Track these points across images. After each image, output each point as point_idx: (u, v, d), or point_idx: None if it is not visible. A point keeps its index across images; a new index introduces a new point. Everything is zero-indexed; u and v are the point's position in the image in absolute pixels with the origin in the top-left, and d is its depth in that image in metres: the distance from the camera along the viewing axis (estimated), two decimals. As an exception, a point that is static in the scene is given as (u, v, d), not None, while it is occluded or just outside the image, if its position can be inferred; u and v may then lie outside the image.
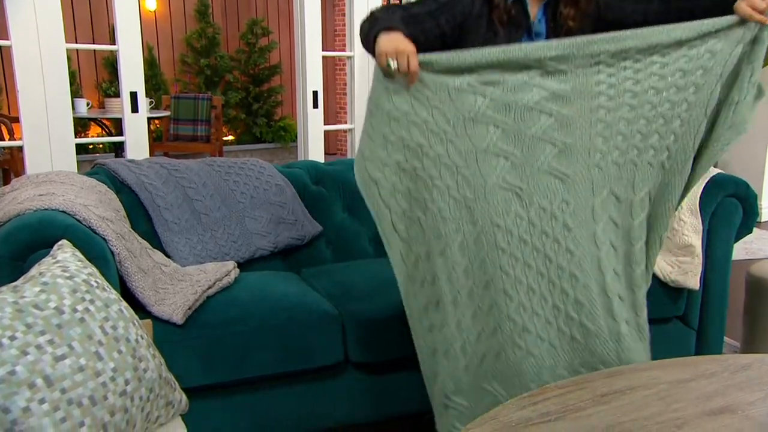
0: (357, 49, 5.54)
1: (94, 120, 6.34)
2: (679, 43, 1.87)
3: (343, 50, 9.69)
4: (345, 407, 2.32)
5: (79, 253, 1.50)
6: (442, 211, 1.90)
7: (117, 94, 6.89)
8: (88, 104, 6.40)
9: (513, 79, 1.86)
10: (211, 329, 2.11)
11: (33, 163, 4.22)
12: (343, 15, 9.75)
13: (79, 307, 1.33)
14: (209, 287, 2.23)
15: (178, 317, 2.05)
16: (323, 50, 5.27)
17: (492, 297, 1.90)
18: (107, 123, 6.63)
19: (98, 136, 7.35)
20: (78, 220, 2.02)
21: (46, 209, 2.01)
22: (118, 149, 6.38)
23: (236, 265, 2.56)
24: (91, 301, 1.36)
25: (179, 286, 2.20)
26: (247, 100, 8.80)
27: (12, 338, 1.18)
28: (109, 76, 7.68)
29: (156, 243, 2.58)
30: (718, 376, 1.81)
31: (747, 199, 2.63)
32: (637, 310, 1.99)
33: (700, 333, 2.74)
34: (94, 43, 7.67)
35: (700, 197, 2.61)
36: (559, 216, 1.89)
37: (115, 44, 4.54)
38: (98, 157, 7.13)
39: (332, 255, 2.87)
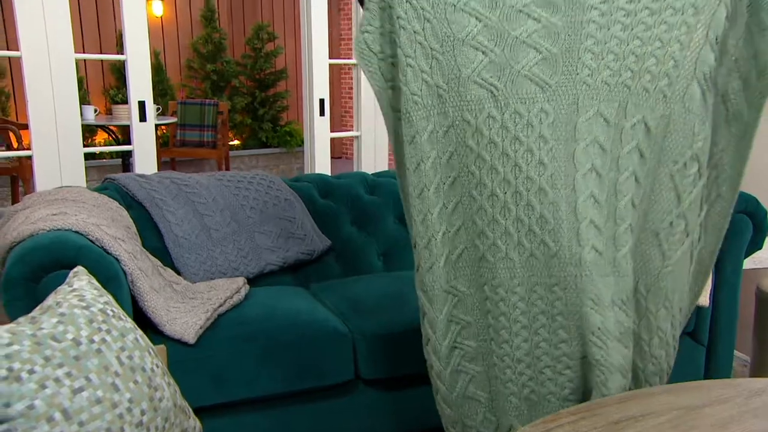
0: (363, 57, 5.55)
1: (102, 127, 6.34)
2: None
3: (349, 55, 9.70)
4: (358, 424, 2.32)
5: (95, 281, 1.51)
6: (414, 95, 1.83)
7: (124, 101, 6.90)
8: (95, 111, 6.41)
9: None
10: (222, 348, 2.11)
11: (42, 171, 4.24)
12: (349, 19, 9.77)
13: (96, 338, 1.33)
14: (220, 305, 2.24)
15: (189, 337, 2.06)
16: (330, 56, 5.29)
17: (457, 196, 1.86)
18: (114, 129, 6.63)
19: (105, 142, 7.35)
20: (91, 241, 2.03)
21: (59, 229, 2.01)
22: (126, 155, 6.40)
23: (246, 280, 2.57)
24: (108, 331, 1.37)
25: (190, 304, 2.20)
26: (253, 105, 8.79)
27: (31, 372, 1.19)
28: (116, 83, 7.69)
29: (166, 259, 2.59)
30: (732, 402, 1.78)
31: (757, 214, 2.62)
32: (616, 244, 1.86)
33: (709, 349, 2.74)
34: (101, 48, 7.68)
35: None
36: (535, 125, 1.80)
37: (122, 53, 4.56)
38: (105, 163, 7.16)
39: (341, 269, 2.87)
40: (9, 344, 1.21)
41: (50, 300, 1.40)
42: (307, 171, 5.40)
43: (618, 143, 1.84)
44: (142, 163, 4.71)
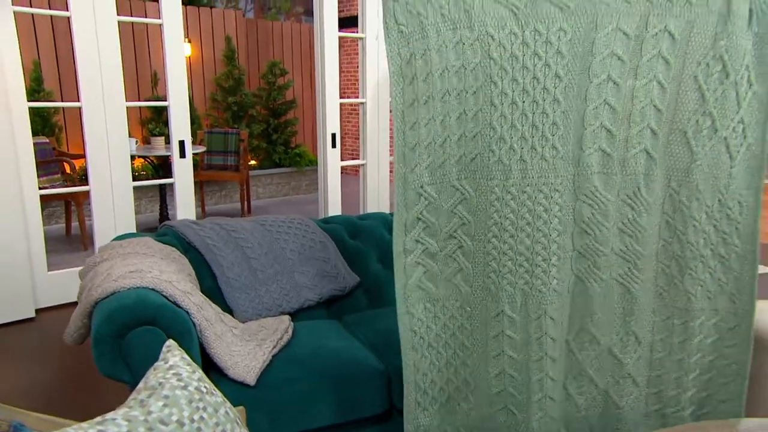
0: (369, 95, 5.52)
1: (141, 156, 6.26)
2: None
3: (355, 94, 9.66)
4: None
5: (185, 354, 1.46)
6: (442, 8, 1.76)
7: (160, 134, 6.82)
8: (136, 142, 6.34)
9: None
10: (276, 388, 2.07)
11: (98, 201, 4.19)
12: (356, 64, 9.72)
13: (196, 417, 1.29)
14: (274, 347, 2.20)
15: (251, 380, 2.02)
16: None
17: (479, 103, 1.81)
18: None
19: (142, 166, 7.26)
20: (165, 297, 1.99)
21: (138, 287, 1.97)
22: (163, 176, 6.32)
23: (290, 317, 2.53)
24: (204, 409, 1.33)
25: (248, 347, 2.16)
26: (267, 131, 8.72)
27: (146, 457, 1.15)
28: (151, 114, 7.59)
29: (219, 297, 2.55)
30: None
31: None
32: (628, 145, 1.84)
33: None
34: (138, 85, 7.58)
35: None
36: (553, 42, 1.77)
37: (156, 90, 4.49)
38: (143, 185, 7.07)
39: (368, 302, 2.83)
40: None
41: (152, 379, 1.36)
42: (321, 188, 5.38)
43: (638, 53, 1.80)
44: (182, 192, 4.67)
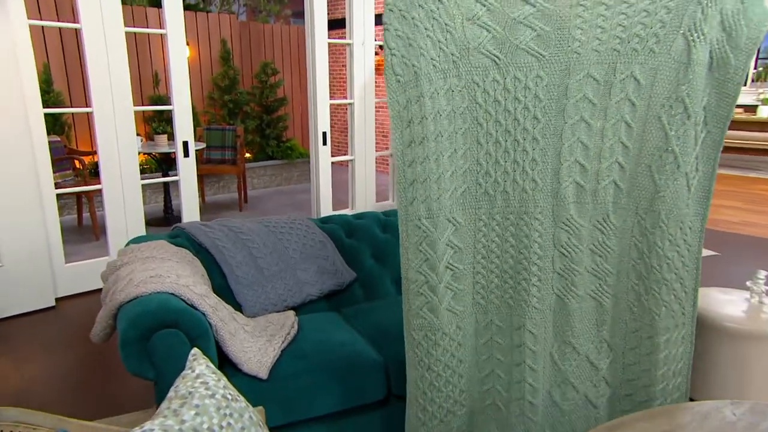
0: (356, 96, 5.49)
1: (146, 153, 6.18)
2: None
3: (343, 95, 9.59)
4: (388, 428, 2.29)
5: (209, 362, 1.46)
6: (433, 60, 1.79)
7: (163, 132, 6.73)
8: (141, 140, 6.25)
9: None
10: (286, 380, 2.07)
11: (109, 195, 4.14)
12: (343, 65, 9.64)
13: (224, 423, 1.29)
14: (282, 342, 2.20)
15: (263, 374, 2.02)
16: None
17: (467, 143, 1.84)
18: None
19: (146, 161, 7.16)
20: (183, 300, 1.98)
21: (158, 292, 1.96)
22: (165, 169, 6.25)
23: (294, 312, 2.53)
24: (231, 415, 1.33)
25: (258, 343, 2.16)
26: (261, 126, 8.63)
27: (182, 464, 1.15)
28: (153, 113, 7.48)
29: (229, 295, 2.54)
30: (689, 427, 1.76)
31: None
32: (598, 178, 1.87)
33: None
34: (140, 83, 7.46)
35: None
36: (531, 87, 1.80)
37: (158, 90, 4.43)
38: (148, 177, 6.98)
39: (364, 295, 2.83)
40: (164, 442, 1.17)
41: (182, 388, 1.35)
42: (313, 182, 5.36)
43: (607, 97, 1.82)
44: (186, 188, 4.62)
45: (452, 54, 1.80)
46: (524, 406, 1.96)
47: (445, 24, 1.79)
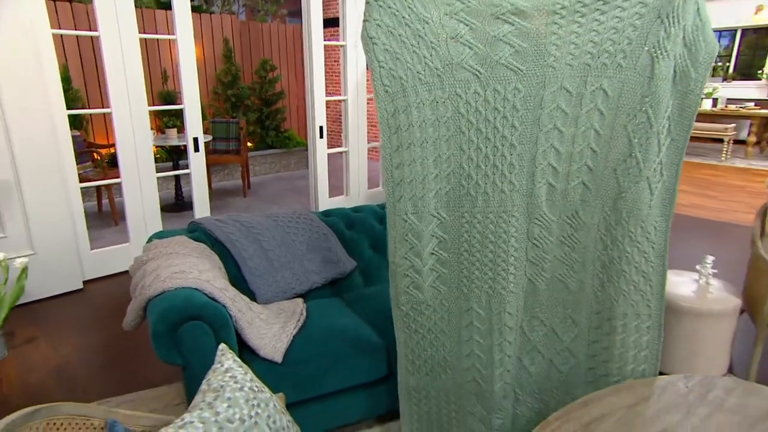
0: (350, 93, 5.47)
1: (158, 145, 6.12)
2: None
3: (337, 92, 9.50)
4: (391, 402, 2.34)
5: (236, 357, 1.49)
6: (419, 74, 1.80)
7: (173, 126, 6.66)
8: (153, 134, 6.19)
9: None
10: (298, 364, 2.11)
11: (129, 191, 4.12)
12: (337, 62, 9.53)
13: (252, 413, 1.33)
14: (294, 328, 2.23)
15: (278, 358, 2.06)
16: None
17: (451, 149, 1.86)
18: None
19: (157, 152, 7.09)
20: (205, 294, 2.00)
21: (183, 287, 1.98)
22: (175, 159, 6.21)
23: (302, 299, 2.56)
24: (258, 405, 1.36)
25: (272, 330, 2.19)
26: (261, 118, 8.56)
27: (220, 453, 1.19)
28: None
29: (243, 283, 2.56)
30: (651, 400, 1.81)
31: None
32: (569, 179, 1.89)
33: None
34: (151, 80, 7.35)
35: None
36: (510, 99, 1.81)
37: (176, 95, 4.40)
38: (160, 166, 6.93)
39: (363, 282, 2.86)
40: (203, 433, 1.21)
41: (213, 381, 1.38)
42: (311, 172, 5.35)
43: (578, 107, 1.83)
44: (197, 179, 4.60)
45: (437, 68, 1.80)
46: (504, 375, 2.02)
47: (431, 42, 1.79)
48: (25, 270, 3.04)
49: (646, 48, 1.78)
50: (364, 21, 1.77)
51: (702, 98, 1.83)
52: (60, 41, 6.45)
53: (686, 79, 1.81)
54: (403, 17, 1.77)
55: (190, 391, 1.95)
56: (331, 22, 8.20)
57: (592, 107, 1.84)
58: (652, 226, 1.90)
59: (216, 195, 7.08)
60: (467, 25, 1.79)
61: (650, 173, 1.85)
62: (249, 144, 8.38)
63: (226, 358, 1.47)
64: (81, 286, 3.87)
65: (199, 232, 2.65)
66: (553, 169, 1.88)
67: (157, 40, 7.36)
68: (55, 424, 1.26)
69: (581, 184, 1.91)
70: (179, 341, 1.88)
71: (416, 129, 1.82)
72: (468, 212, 1.90)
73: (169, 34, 7.17)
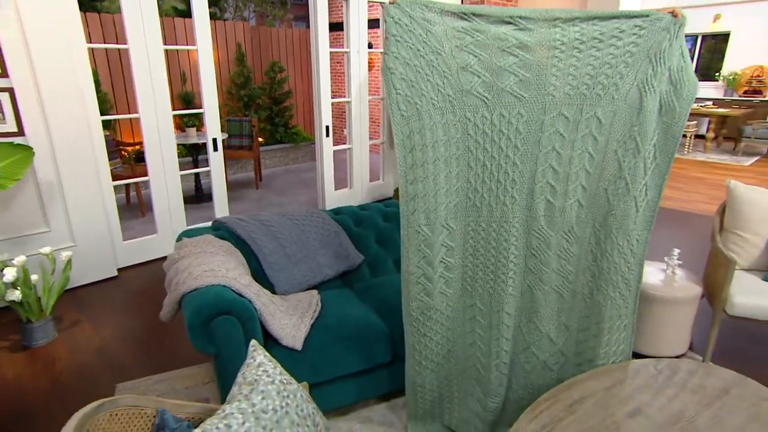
0: (353, 95, 5.46)
1: (180, 144, 6.10)
2: (613, 16, 1.80)
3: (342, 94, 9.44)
4: (397, 382, 2.37)
5: (266, 352, 1.53)
6: (433, 100, 1.82)
7: (192, 125, 6.64)
8: (174, 133, 6.15)
9: (494, 29, 1.79)
10: (316, 350, 2.15)
11: (156, 187, 4.13)
12: (341, 63, 9.47)
13: (283, 404, 1.37)
14: (311, 318, 2.28)
15: (298, 346, 2.10)
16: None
17: (460, 166, 1.89)
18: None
19: (177, 148, 7.06)
20: (233, 290, 2.03)
21: (213, 285, 2.01)
22: (196, 158, 6.20)
23: (317, 291, 2.59)
24: (288, 396, 1.41)
25: (292, 320, 2.23)
26: (271, 116, 8.52)
27: (258, 440, 1.23)
28: (183, 106, 7.35)
29: (263, 277, 2.58)
30: (626, 383, 1.86)
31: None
32: (566, 197, 1.91)
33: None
34: (170, 82, 7.29)
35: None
36: (513, 122, 1.84)
37: (195, 96, 4.39)
38: (181, 162, 6.91)
39: (370, 273, 2.88)
40: (243, 422, 1.25)
41: (248, 375, 1.41)
42: (318, 168, 5.36)
43: (574, 131, 1.86)
44: (216, 175, 4.61)
45: (449, 95, 1.83)
46: (500, 365, 2.08)
47: (443, 71, 1.82)
48: (69, 261, 3.07)
49: (636, 83, 1.81)
50: (384, 54, 1.80)
51: (684, 128, 1.86)
52: (91, 49, 6.39)
53: (671, 112, 1.84)
54: (419, 50, 1.79)
55: (221, 374, 1.99)
56: (335, 27, 8.15)
57: (586, 132, 1.86)
58: (635, 239, 1.94)
59: (231, 187, 7.09)
60: (476, 57, 1.81)
61: (637, 193, 1.89)
62: (260, 140, 8.36)
63: (258, 354, 1.51)
64: (116, 273, 3.90)
65: (223, 231, 2.68)
66: (551, 187, 1.91)
67: (175, 38, 7.29)
68: (117, 414, 1.31)
69: (576, 201, 1.94)
70: (212, 333, 1.92)
71: (429, 148, 1.85)
72: (473, 221, 1.94)
73: (187, 39, 7.11)
